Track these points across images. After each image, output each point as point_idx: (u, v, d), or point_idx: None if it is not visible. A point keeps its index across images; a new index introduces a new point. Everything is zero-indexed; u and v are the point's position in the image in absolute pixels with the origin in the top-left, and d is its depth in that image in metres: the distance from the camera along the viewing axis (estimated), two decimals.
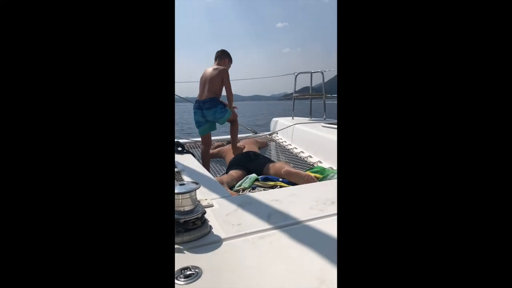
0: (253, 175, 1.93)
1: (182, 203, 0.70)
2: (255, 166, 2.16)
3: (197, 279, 0.54)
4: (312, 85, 3.93)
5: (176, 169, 1.47)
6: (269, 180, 1.89)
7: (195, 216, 0.71)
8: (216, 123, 2.56)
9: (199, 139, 3.22)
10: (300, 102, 4.05)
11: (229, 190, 1.71)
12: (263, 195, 1.02)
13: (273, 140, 3.24)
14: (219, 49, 2.65)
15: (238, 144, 2.67)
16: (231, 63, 2.68)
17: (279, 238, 0.71)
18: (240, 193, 1.73)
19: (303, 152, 2.64)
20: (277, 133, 3.37)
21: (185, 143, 3.07)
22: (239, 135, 2.80)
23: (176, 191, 0.70)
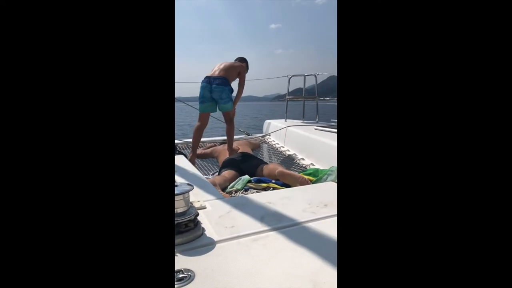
0: (246, 177, 1.92)
1: (175, 205, 0.69)
2: (248, 167, 2.15)
3: (189, 282, 0.54)
4: (305, 87, 3.95)
5: None
6: (262, 181, 1.89)
7: (188, 218, 0.70)
8: (217, 107, 2.55)
9: (191, 140, 3.20)
10: (293, 103, 4.06)
11: (222, 191, 1.70)
12: (256, 197, 1.02)
13: (266, 142, 3.24)
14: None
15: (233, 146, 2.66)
16: (248, 70, 2.79)
17: (273, 241, 0.70)
18: (233, 194, 1.72)
19: (296, 155, 2.65)
20: (269, 135, 3.37)
21: (177, 143, 3.05)
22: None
23: None
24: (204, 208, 0.91)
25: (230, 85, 2.49)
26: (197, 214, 0.74)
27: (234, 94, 2.64)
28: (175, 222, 0.68)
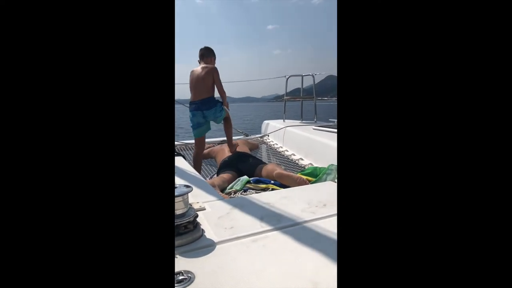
0: (245, 177, 1.92)
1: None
2: (247, 167, 2.15)
3: (189, 284, 0.54)
4: (303, 87, 3.95)
5: None
6: (260, 182, 1.89)
7: (187, 220, 0.70)
8: (210, 124, 2.53)
9: (190, 141, 3.20)
10: (292, 103, 4.07)
11: (221, 192, 1.70)
12: (255, 198, 1.02)
13: (265, 143, 3.25)
14: (202, 48, 2.59)
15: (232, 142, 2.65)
16: (215, 58, 2.63)
17: (272, 241, 0.70)
18: (232, 195, 1.72)
19: (294, 155, 2.65)
20: (268, 135, 3.38)
21: (176, 145, 3.05)
22: None
23: None
24: (203, 209, 0.91)
25: (217, 101, 2.45)
26: (197, 216, 0.74)
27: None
28: (175, 224, 0.68)
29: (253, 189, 1.80)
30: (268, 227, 0.77)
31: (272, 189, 1.73)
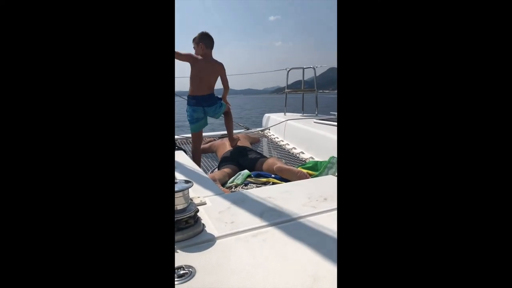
0: (246, 171, 1.93)
1: (174, 202, 0.70)
2: (248, 161, 2.15)
3: (190, 279, 0.54)
4: (305, 79, 3.93)
5: None
6: (261, 176, 1.90)
7: (188, 215, 0.70)
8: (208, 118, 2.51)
9: (190, 135, 3.20)
10: (293, 96, 4.05)
11: (222, 187, 1.70)
12: (255, 192, 1.02)
13: (266, 136, 3.24)
14: (203, 33, 2.35)
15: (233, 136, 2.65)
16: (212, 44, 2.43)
17: (273, 236, 0.71)
18: (233, 189, 1.73)
19: (295, 148, 2.65)
20: (269, 129, 3.37)
21: (177, 139, 3.05)
22: None
23: None
24: (204, 204, 0.92)
25: (217, 97, 2.40)
26: (197, 211, 0.74)
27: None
28: (175, 219, 0.68)
29: (254, 183, 1.81)
30: (269, 222, 0.77)
31: (273, 183, 1.73)
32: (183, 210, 0.70)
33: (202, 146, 2.75)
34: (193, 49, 2.39)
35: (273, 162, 1.98)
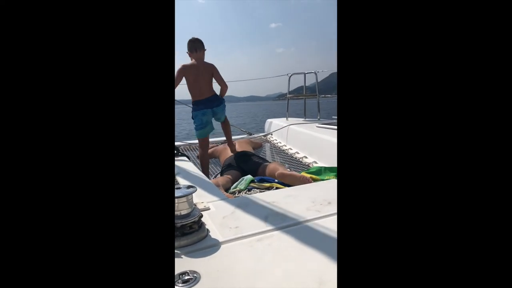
0: (249, 177, 1.92)
1: (178, 207, 0.69)
2: (250, 166, 2.15)
3: (195, 284, 0.54)
4: (306, 85, 3.95)
5: None
6: (264, 181, 1.89)
7: (192, 220, 0.70)
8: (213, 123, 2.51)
9: (193, 141, 3.20)
10: (295, 101, 4.06)
11: (225, 192, 1.70)
12: (259, 197, 1.02)
13: (268, 141, 3.24)
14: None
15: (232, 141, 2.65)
16: (204, 48, 2.46)
17: (277, 240, 0.70)
18: (236, 195, 1.73)
19: (298, 153, 2.64)
20: (271, 134, 3.37)
21: (179, 145, 3.06)
22: (233, 137, 2.80)
23: None
24: (208, 209, 0.91)
25: (220, 97, 2.42)
26: (201, 216, 0.74)
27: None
28: (180, 224, 0.68)
29: (257, 188, 1.80)
30: (273, 226, 0.77)
31: (277, 188, 1.72)
32: (187, 215, 0.70)
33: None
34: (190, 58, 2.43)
35: (275, 167, 1.97)
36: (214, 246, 0.68)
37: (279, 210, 0.88)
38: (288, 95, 3.89)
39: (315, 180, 1.73)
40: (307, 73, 3.80)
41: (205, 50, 2.39)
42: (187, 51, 2.36)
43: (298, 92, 4.29)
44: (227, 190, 1.82)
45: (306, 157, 2.49)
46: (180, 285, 0.53)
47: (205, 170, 2.34)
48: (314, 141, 2.50)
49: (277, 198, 0.99)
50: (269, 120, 3.77)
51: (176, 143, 2.87)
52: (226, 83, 2.45)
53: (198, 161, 2.64)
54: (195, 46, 2.32)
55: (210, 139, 2.94)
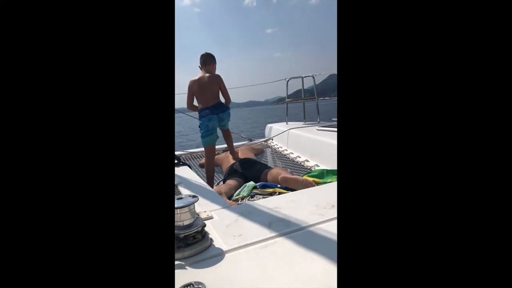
0: (251, 183, 1.92)
1: (181, 218, 0.69)
2: (252, 173, 2.15)
3: None
4: (305, 87, 3.95)
5: None
6: (267, 187, 1.88)
7: (195, 230, 0.70)
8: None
9: (195, 150, 3.21)
10: (294, 104, 4.07)
11: (228, 200, 1.69)
12: (262, 203, 1.01)
13: (269, 147, 3.24)
14: (204, 54, 2.57)
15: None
16: (216, 64, 2.63)
17: (282, 246, 0.70)
18: (239, 202, 1.72)
19: (299, 157, 2.64)
20: (272, 139, 3.37)
21: (181, 155, 3.06)
22: (234, 144, 2.80)
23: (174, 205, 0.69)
24: (211, 218, 0.91)
25: (225, 105, 2.48)
26: (204, 225, 0.74)
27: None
28: (183, 235, 0.68)
29: (260, 194, 1.80)
30: (277, 233, 0.76)
31: (279, 193, 1.72)
32: (190, 226, 0.70)
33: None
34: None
35: (278, 172, 1.97)
36: (218, 255, 0.67)
37: (283, 216, 0.88)
38: (286, 100, 3.89)
39: (317, 184, 1.72)
40: (304, 76, 3.81)
41: (215, 63, 2.55)
42: (199, 65, 2.58)
43: (297, 96, 4.29)
44: (230, 197, 1.81)
45: (307, 161, 2.49)
46: None
47: (210, 181, 2.35)
48: (314, 144, 2.50)
49: (280, 203, 0.99)
50: (269, 125, 3.77)
51: (178, 152, 2.87)
52: (227, 91, 2.51)
53: (200, 170, 2.64)
54: (205, 60, 2.52)
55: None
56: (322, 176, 1.86)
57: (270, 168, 2.20)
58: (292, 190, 1.72)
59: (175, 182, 1.46)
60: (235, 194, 1.86)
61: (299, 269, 0.60)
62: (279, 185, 1.87)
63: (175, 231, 0.68)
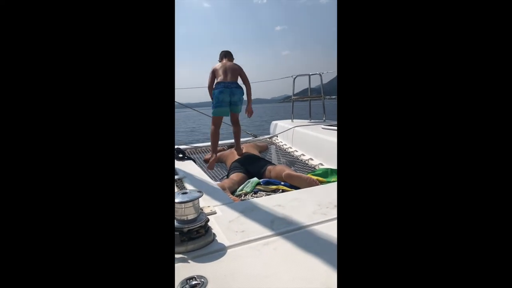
0: (255, 179, 1.92)
1: (185, 212, 0.70)
2: (256, 169, 2.15)
3: None
4: (312, 87, 3.94)
5: (177, 176, 1.47)
6: (271, 183, 1.89)
7: (199, 225, 0.71)
8: (229, 111, 2.62)
9: (199, 144, 3.22)
10: (300, 103, 4.05)
11: (231, 195, 1.70)
12: (265, 201, 1.02)
13: (274, 143, 3.24)
14: (223, 50, 2.81)
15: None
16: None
17: (284, 244, 0.71)
18: (242, 197, 1.73)
19: (304, 155, 2.64)
20: (277, 136, 3.37)
21: (186, 149, 3.07)
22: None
23: (179, 200, 0.70)
24: (214, 213, 0.92)
25: (242, 88, 2.61)
26: (208, 220, 0.75)
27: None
28: (187, 229, 0.69)
29: (263, 191, 1.80)
30: (279, 230, 0.77)
31: (283, 190, 1.72)
32: (193, 220, 0.71)
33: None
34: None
35: (282, 169, 1.97)
36: (220, 250, 0.68)
37: (285, 214, 0.88)
38: (293, 97, 3.88)
39: (321, 183, 1.73)
40: (311, 74, 3.79)
41: (233, 59, 2.78)
42: (218, 59, 2.81)
43: (303, 94, 4.28)
44: (233, 192, 1.82)
45: (312, 159, 2.49)
46: None
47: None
48: (319, 142, 2.49)
49: (283, 201, 1.00)
50: (274, 122, 3.77)
51: (182, 146, 2.89)
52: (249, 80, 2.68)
53: (204, 165, 2.65)
54: (225, 54, 2.79)
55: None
56: (326, 175, 1.86)
57: (273, 164, 2.21)
58: (296, 187, 1.73)
59: (180, 176, 1.47)
60: (238, 190, 1.87)
61: (300, 267, 0.61)
62: (282, 182, 1.87)
63: (179, 225, 0.69)
